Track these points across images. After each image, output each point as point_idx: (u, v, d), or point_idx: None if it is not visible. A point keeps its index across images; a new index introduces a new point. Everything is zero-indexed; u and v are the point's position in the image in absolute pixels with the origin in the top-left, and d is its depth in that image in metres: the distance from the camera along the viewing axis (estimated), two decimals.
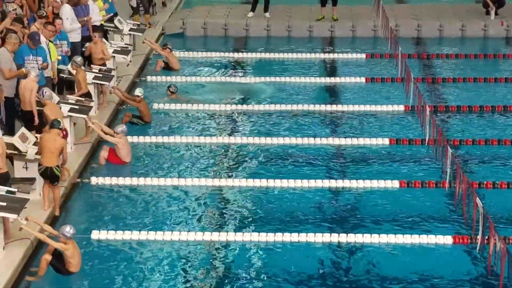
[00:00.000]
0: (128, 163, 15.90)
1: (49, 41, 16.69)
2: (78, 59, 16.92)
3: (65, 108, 15.64)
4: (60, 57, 17.31)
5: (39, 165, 13.58)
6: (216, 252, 12.91)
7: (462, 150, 16.68)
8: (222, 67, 22.16)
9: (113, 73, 18.78)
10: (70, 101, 16.17)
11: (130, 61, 20.92)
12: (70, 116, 15.74)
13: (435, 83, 20.84)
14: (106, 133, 16.11)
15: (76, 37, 18.78)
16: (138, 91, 17.92)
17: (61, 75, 17.39)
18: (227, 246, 13.06)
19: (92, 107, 16.69)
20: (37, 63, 15.79)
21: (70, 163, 14.68)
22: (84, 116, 16.10)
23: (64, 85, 17.74)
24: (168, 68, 21.53)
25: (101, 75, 17.90)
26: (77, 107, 15.93)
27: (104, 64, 18.54)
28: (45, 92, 14.97)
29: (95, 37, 18.58)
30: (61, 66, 17.51)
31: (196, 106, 19.04)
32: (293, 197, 14.74)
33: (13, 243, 12.45)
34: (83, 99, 16.45)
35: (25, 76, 15.23)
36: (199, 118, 18.51)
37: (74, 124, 16.28)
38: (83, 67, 17.17)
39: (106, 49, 18.79)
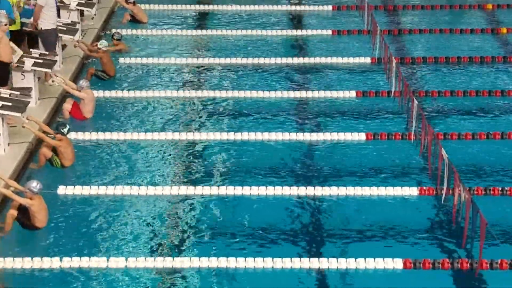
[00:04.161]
0: (88, 118, 15.81)
1: None
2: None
3: (28, 62, 15.45)
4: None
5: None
6: (185, 206, 12.92)
7: (428, 102, 16.76)
8: (187, 19, 21.99)
9: (77, 26, 18.56)
10: (34, 55, 15.98)
11: (95, 14, 20.66)
12: (34, 70, 15.57)
13: (401, 34, 20.85)
14: (71, 88, 15.98)
15: None
16: (99, 43, 17.80)
17: (24, 28, 17.18)
18: (196, 200, 13.07)
19: (56, 61, 16.53)
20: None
21: (35, 117, 14.55)
22: (48, 70, 15.94)
23: (26, 38, 17.52)
24: (135, 21, 21.31)
25: (65, 28, 17.69)
26: (41, 61, 15.75)
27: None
28: None
29: None
30: (24, 20, 17.27)
31: (162, 60, 18.91)
32: (260, 150, 14.76)
33: None
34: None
35: None
36: (166, 72, 18.39)
37: (39, 78, 16.10)
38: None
39: None
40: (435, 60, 18.93)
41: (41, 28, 16.74)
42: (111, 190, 13.18)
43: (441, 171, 12.66)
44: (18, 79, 15.51)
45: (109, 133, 15.19)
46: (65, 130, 13.97)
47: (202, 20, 22.05)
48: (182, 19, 21.99)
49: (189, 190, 13.25)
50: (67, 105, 15.75)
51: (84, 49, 18.31)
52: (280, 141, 15.04)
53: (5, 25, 15.16)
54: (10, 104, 13.78)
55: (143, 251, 11.63)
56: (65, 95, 16.35)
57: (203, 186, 13.37)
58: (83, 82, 15.90)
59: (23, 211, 11.96)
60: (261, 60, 18.95)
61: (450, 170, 12.26)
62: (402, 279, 11.11)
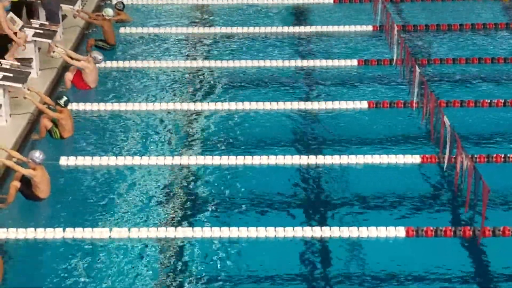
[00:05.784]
0: (93, 88, 15.78)
1: None
2: None
3: (29, 33, 15.39)
4: None
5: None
6: (187, 177, 12.92)
7: (430, 69, 16.70)
8: None
9: None
10: (34, 25, 15.91)
11: None
12: (35, 40, 15.51)
13: (403, 2, 20.74)
14: (72, 58, 15.92)
15: None
16: (104, 11, 17.78)
17: None
18: (199, 170, 13.07)
19: (57, 31, 16.46)
20: None
21: (37, 88, 14.52)
22: (49, 40, 15.88)
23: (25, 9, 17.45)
24: None
25: None
26: (41, 31, 15.69)
27: None
28: None
29: None
30: None
31: (163, 29, 18.85)
32: (261, 119, 14.74)
33: None
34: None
35: None
36: (167, 42, 18.33)
37: (39, 49, 16.04)
38: None
39: None
40: (438, 27, 18.84)
41: None
42: (113, 161, 13.18)
43: (443, 139, 12.64)
44: (19, 50, 15.44)
45: (110, 104, 15.16)
46: (62, 101, 13.85)
47: None
48: None
49: (191, 160, 13.24)
50: (69, 75, 15.70)
51: (85, 17, 18.26)
52: (281, 110, 15.01)
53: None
54: (11, 75, 13.74)
55: (146, 222, 11.65)
56: (66, 66, 16.30)
57: (205, 156, 13.36)
58: (93, 54, 15.86)
59: (26, 182, 11.97)
60: (263, 29, 18.89)
61: (452, 137, 12.23)
62: (405, 247, 11.12)
